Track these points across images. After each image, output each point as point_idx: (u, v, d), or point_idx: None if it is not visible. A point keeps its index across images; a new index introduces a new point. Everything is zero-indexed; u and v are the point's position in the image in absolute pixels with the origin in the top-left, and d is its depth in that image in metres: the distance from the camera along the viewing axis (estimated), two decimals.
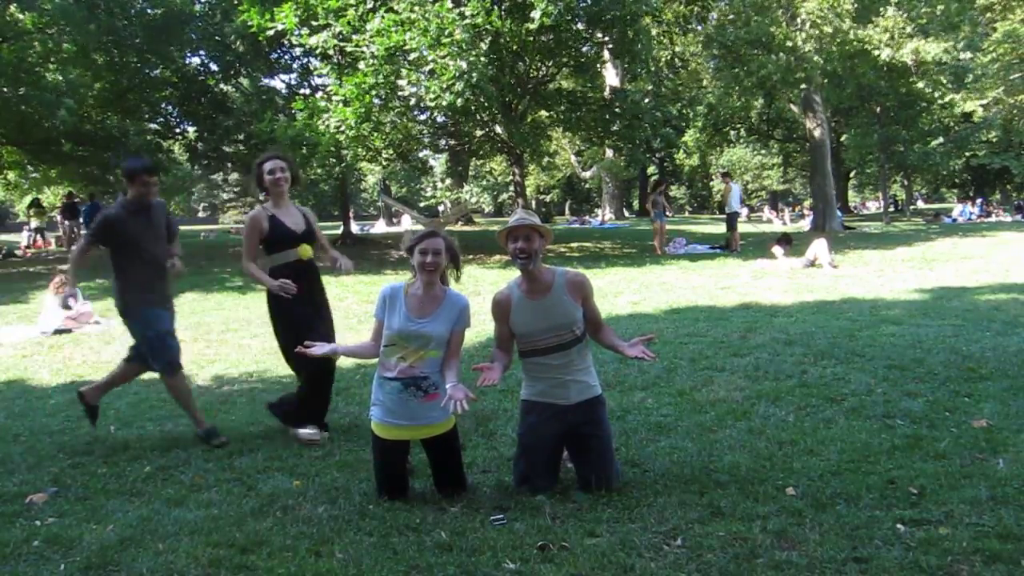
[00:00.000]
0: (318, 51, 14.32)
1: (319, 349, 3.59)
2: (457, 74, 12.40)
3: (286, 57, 20.02)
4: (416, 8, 12.70)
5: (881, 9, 18.87)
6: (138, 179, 4.53)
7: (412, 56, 12.80)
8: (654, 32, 18.28)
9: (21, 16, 16.20)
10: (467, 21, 12.64)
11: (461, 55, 12.44)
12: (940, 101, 23.04)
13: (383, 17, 12.81)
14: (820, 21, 17.82)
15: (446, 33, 12.48)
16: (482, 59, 12.85)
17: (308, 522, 3.23)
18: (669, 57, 22.67)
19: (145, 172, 4.57)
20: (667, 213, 18.85)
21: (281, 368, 6.58)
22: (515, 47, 15.19)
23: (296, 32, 13.90)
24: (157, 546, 3.04)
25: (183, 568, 2.85)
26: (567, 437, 3.56)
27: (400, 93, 13.23)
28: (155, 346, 4.54)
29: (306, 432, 4.45)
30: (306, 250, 4.57)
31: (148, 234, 4.56)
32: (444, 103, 12.64)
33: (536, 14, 13.18)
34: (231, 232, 36.44)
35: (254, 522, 3.26)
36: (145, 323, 4.54)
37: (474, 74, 12.48)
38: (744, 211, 34.07)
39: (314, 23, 13.64)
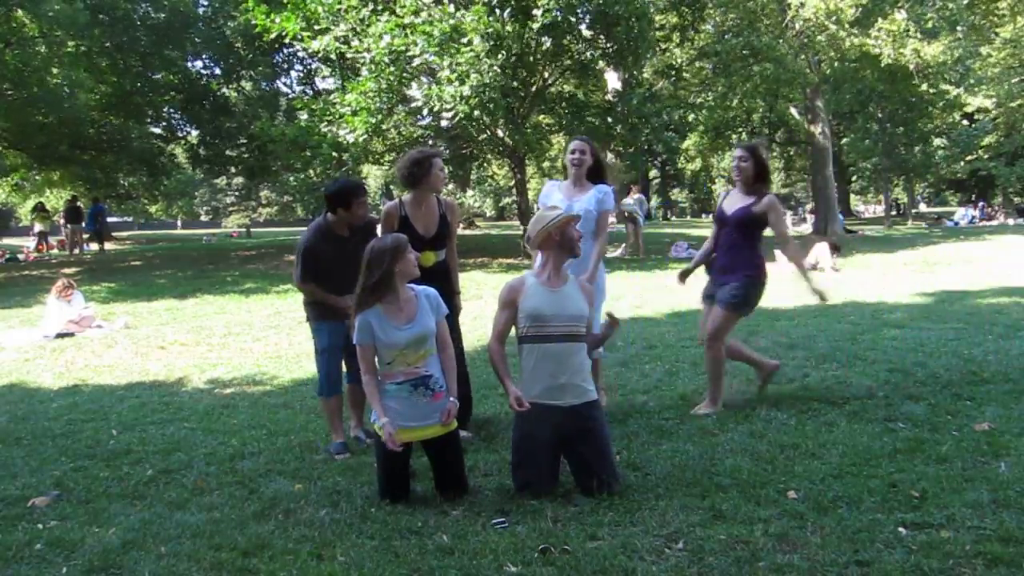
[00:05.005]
0: (320, 55, 14.33)
1: None
2: (476, 84, 12.26)
3: (289, 61, 20.10)
4: (421, 12, 12.63)
5: (887, 11, 18.80)
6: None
7: (416, 62, 12.73)
8: (657, 34, 18.27)
9: (26, 20, 16.26)
10: (470, 19, 12.53)
11: (478, 65, 12.30)
12: (948, 97, 22.96)
13: (385, 21, 12.76)
14: (815, 31, 17.79)
15: (465, 41, 12.33)
16: (495, 68, 12.75)
17: (310, 525, 3.24)
18: (664, 67, 22.73)
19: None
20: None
21: (284, 372, 6.60)
22: (517, 49, 15.15)
23: (298, 36, 13.91)
24: (159, 549, 3.05)
25: (185, 571, 2.86)
26: (564, 440, 3.57)
27: (413, 103, 13.11)
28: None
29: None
30: (428, 257, 4.15)
31: None
32: (461, 112, 12.48)
33: (538, 12, 13.15)
34: (232, 236, 36.53)
35: (256, 525, 3.27)
36: None
37: (489, 91, 12.39)
38: None
39: (316, 27, 13.63)
